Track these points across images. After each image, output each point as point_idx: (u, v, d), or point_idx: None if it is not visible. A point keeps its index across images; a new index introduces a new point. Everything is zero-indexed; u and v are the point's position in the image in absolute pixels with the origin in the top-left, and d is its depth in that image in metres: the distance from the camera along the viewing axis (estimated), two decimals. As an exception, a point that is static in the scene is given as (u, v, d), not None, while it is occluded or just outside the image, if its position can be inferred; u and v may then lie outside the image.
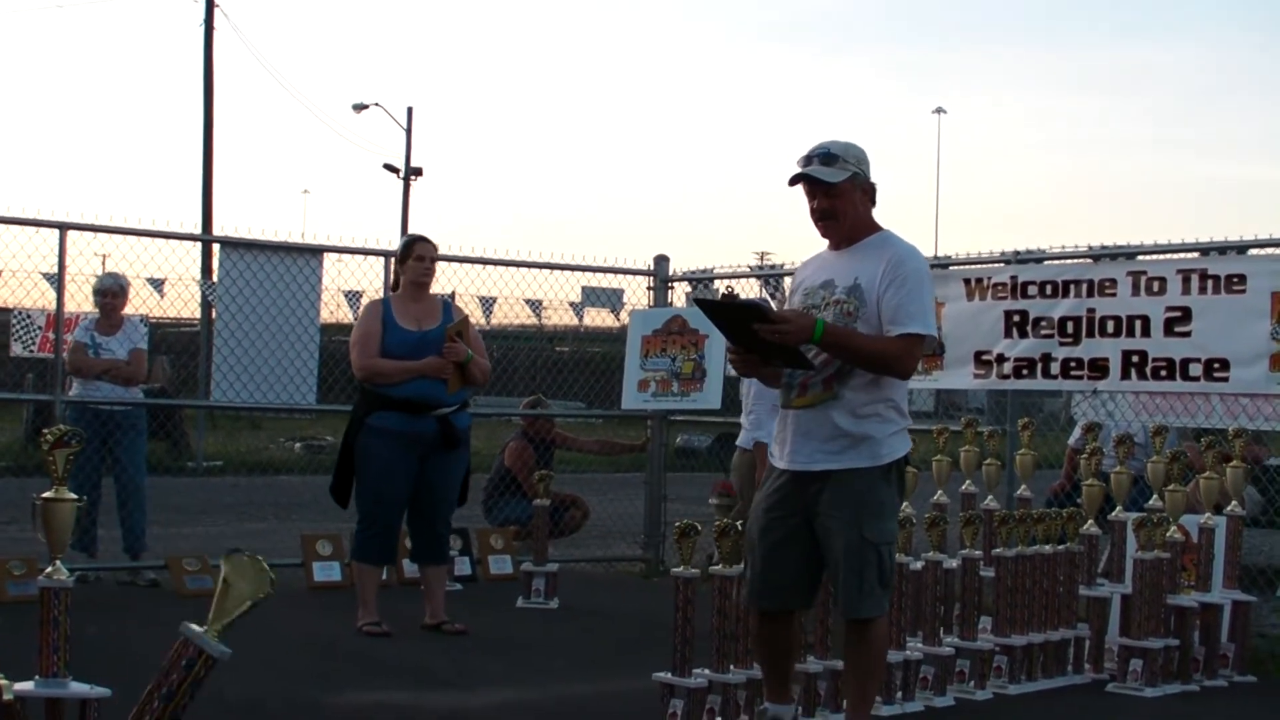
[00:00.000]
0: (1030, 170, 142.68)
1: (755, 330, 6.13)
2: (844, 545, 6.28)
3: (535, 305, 13.37)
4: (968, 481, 9.38)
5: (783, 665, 6.68)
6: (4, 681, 4.89)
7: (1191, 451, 9.93)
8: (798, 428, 6.38)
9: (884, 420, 6.34)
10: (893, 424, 6.37)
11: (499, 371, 15.95)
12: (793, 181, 6.42)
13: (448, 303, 9.97)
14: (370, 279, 12.22)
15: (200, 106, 36.79)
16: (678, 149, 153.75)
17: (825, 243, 6.63)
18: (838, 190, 6.35)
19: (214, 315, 12.47)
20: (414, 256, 9.49)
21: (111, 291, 11.33)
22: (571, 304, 13.56)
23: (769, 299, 11.44)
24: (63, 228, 11.07)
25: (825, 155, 6.36)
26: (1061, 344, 10.21)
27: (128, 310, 11.61)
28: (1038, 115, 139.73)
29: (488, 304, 12.97)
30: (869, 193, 6.48)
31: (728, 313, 6.58)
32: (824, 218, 6.43)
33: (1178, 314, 9.67)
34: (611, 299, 13.63)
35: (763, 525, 6.49)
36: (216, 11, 38.44)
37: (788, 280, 12.58)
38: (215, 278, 12.06)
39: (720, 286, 13.26)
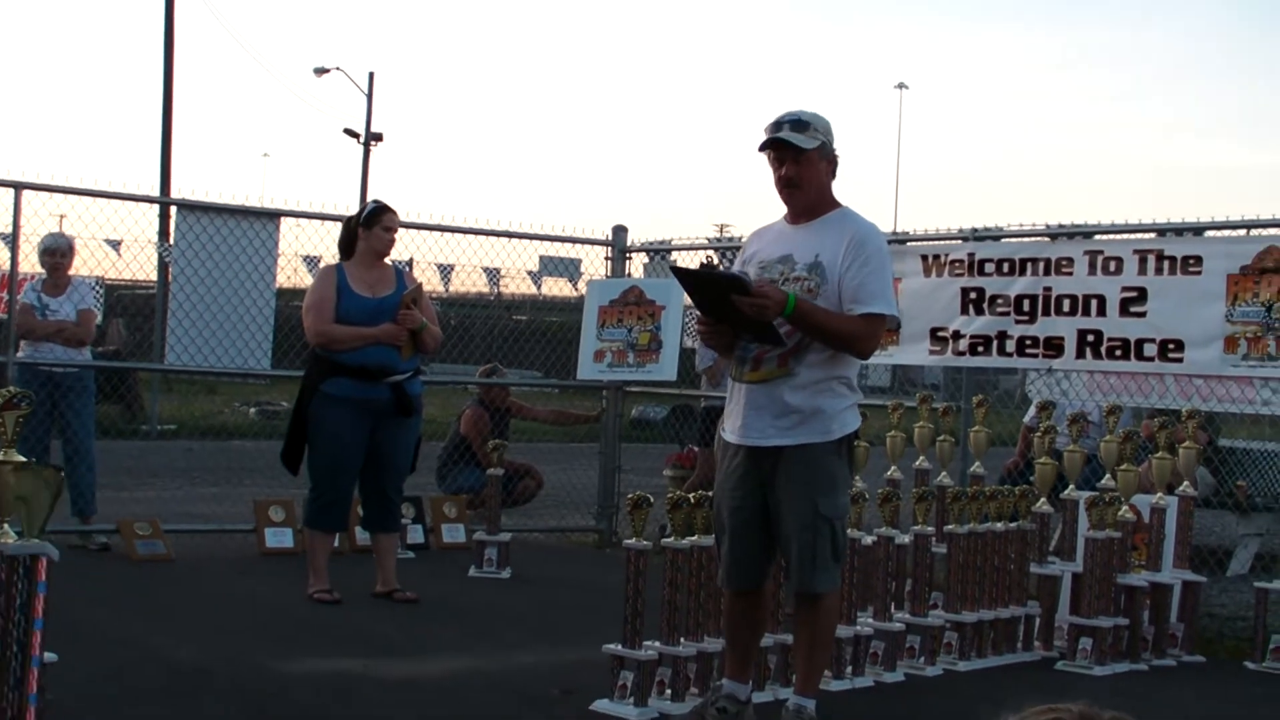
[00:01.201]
0: (990, 148, 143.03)
1: (733, 302, 6.13)
2: (798, 520, 6.31)
3: (493, 274, 13.34)
4: (921, 458, 9.41)
5: (749, 643, 6.73)
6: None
7: (1146, 428, 9.97)
8: (750, 402, 6.39)
9: (836, 396, 6.36)
10: (844, 399, 6.39)
11: (455, 339, 15.90)
12: (763, 147, 6.42)
13: (400, 270, 9.95)
14: (328, 244, 12.15)
15: (160, 67, 36.46)
16: (637, 120, 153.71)
17: (778, 215, 6.64)
18: (806, 158, 6.38)
19: (170, 278, 12.39)
20: (381, 226, 9.43)
21: (60, 251, 11.22)
22: (529, 273, 13.53)
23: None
24: (18, 187, 10.97)
25: (796, 122, 6.38)
26: (1017, 322, 10.23)
27: (83, 271, 11.52)
28: (999, 93, 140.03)
29: (445, 271, 12.94)
30: (833, 164, 6.51)
31: (706, 282, 6.58)
32: (789, 185, 6.43)
33: (1134, 294, 9.69)
34: (569, 269, 13.60)
35: (731, 505, 6.52)
36: (177, -28, 38.11)
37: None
38: (172, 240, 11.99)
39: (676, 257, 13.24)
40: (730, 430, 6.52)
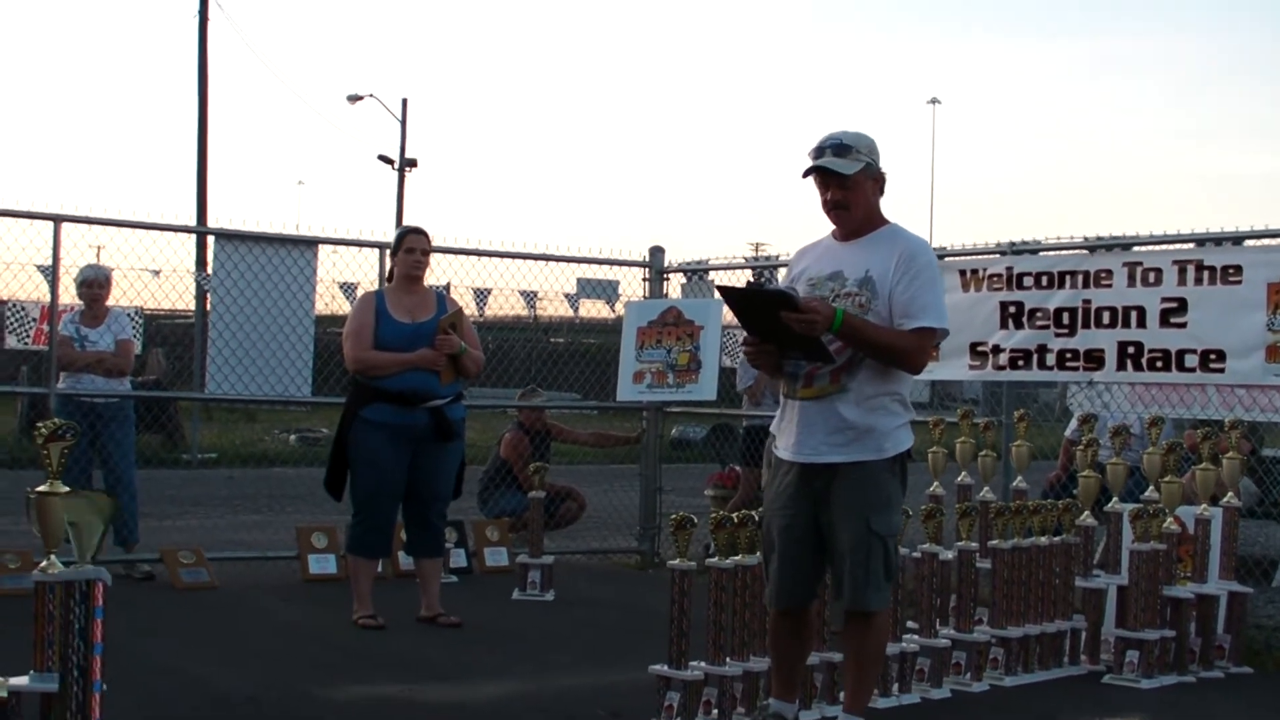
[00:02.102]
0: (1026, 161, 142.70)
1: (782, 319, 6.12)
2: (852, 538, 6.31)
3: (530, 297, 13.36)
4: (963, 473, 9.38)
5: (796, 662, 6.73)
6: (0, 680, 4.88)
7: (1189, 439, 9.92)
8: (803, 419, 6.39)
9: (889, 413, 6.35)
10: (898, 417, 6.38)
11: (494, 363, 15.93)
12: (807, 173, 6.42)
13: (442, 295, 9.96)
14: (365, 271, 12.22)
15: (195, 98, 36.71)
16: (673, 140, 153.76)
17: (821, 232, 6.64)
18: (851, 181, 6.37)
19: (209, 307, 12.43)
20: (405, 249, 9.47)
21: (98, 283, 11.28)
22: (566, 295, 13.55)
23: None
24: (57, 220, 11.02)
25: (838, 146, 6.38)
26: (1057, 335, 10.19)
27: (121, 301, 11.57)
28: (1033, 105, 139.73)
29: (482, 295, 12.95)
30: (880, 183, 6.51)
31: (754, 301, 6.57)
32: (837, 208, 6.44)
33: (1174, 305, 9.65)
34: (607, 290, 13.61)
35: (782, 524, 6.50)
36: (211, 3, 38.36)
37: (782, 271, 12.57)
38: (210, 269, 12.03)
39: (714, 276, 13.24)
40: (783, 447, 6.50)
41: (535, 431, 13.75)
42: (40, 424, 5.27)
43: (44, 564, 5.07)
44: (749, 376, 12.80)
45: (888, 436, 6.35)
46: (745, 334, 6.57)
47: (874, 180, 6.45)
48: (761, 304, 6.43)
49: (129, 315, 11.69)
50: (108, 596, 5.17)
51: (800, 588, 6.55)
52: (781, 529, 6.49)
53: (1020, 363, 10.42)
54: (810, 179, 6.45)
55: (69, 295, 11.71)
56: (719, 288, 7.10)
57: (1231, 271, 9.44)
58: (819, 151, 6.38)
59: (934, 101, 76.13)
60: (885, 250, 6.37)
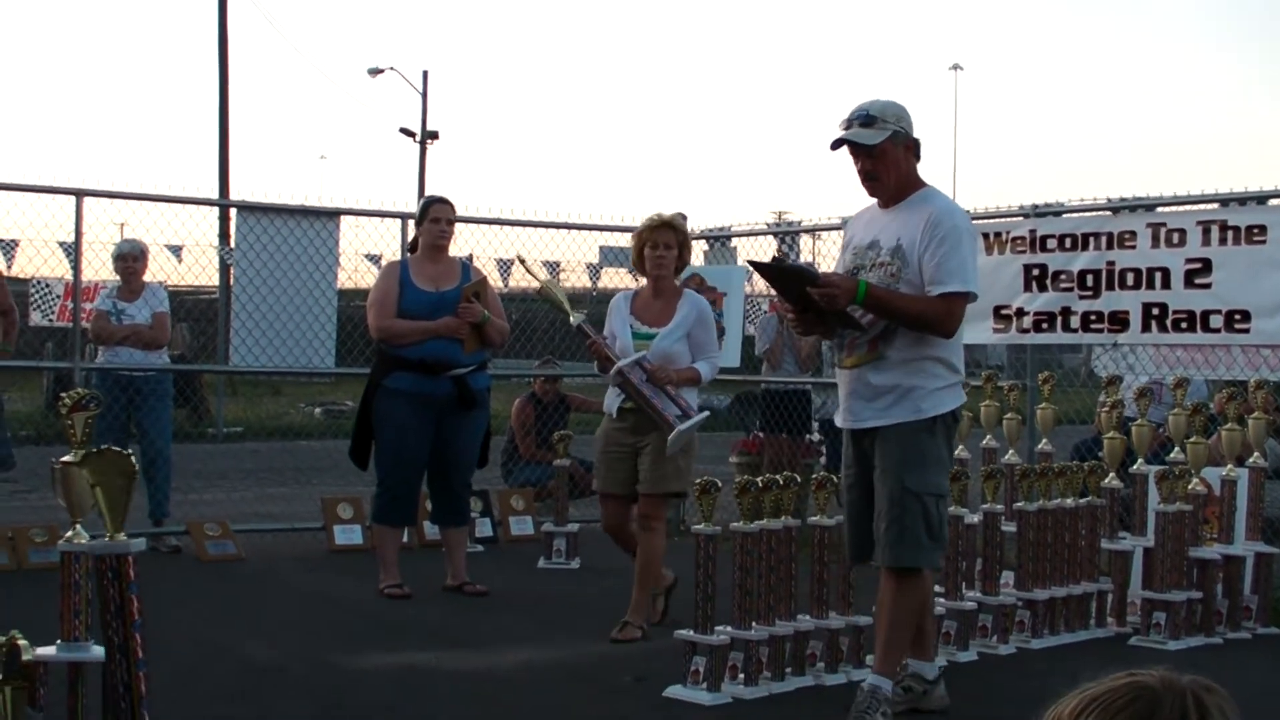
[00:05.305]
0: (1048, 123, 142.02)
1: (807, 293, 6.21)
2: (888, 495, 6.42)
3: (553, 266, 13.35)
4: (988, 436, 9.37)
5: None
6: (25, 644, 4.87)
7: (1219, 404, 9.90)
8: (849, 388, 6.55)
9: (929, 375, 6.43)
10: (939, 379, 6.43)
11: (517, 334, 15.91)
12: (834, 146, 6.45)
13: (466, 264, 9.97)
14: (388, 242, 12.21)
15: (216, 71, 36.64)
16: (695, 107, 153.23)
17: (837, 199, 6.70)
18: (878, 151, 6.42)
19: (232, 280, 12.45)
20: (430, 218, 9.48)
21: (132, 256, 11.31)
22: (589, 264, 13.53)
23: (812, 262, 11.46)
24: (79, 195, 11.05)
25: (864, 118, 6.43)
26: (1081, 297, 10.16)
27: (145, 277, 11.59)
28: (1055, 67, 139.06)
29: (505, 266, 12.94)
30: (912, 148, 6.54)
31: (779, 275, 6.71)
32: (869, 179, 6.51)
33: (1198, 265, 9.62)
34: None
35: (845, 485, 6.77)
36: (230, -23, 38.24)
37: (805, 237, 12.58)
38: (233, 243, 12.04)
39: (736, 244, 13.21)
40: (838, 415, 6.73)
41: (547, 402, 13.75)
42: (64, 394, 5.27)
43: (69, 534, 5.07)
44: (766, 339, 12.87)
45: (926, 397, 6.39)
46: (788, 303, 6.68)
47: (905, 147, 6.48)
48: (787, 279, 6.55)
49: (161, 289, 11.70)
50: (135, 569, 5.12)
51: (865, 545, 6.67)
52: (845, 489, 6.76)
53: (1044, 325, 10.40)
54: (844, 150, 6.51)
55: (91, 270, 11.73)
56: (749, 261, 7.17)
57: (1256, 231, 9.40)
58: (846, 124, 6.46)
59: (956, 68, 76.03)
60: (915, 217, 6.41)
